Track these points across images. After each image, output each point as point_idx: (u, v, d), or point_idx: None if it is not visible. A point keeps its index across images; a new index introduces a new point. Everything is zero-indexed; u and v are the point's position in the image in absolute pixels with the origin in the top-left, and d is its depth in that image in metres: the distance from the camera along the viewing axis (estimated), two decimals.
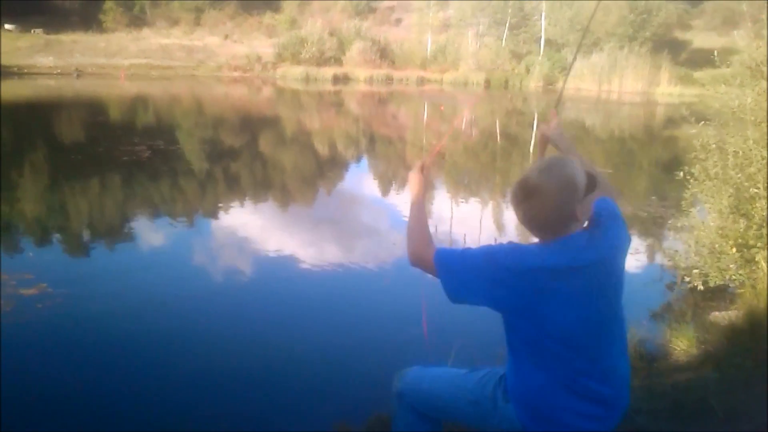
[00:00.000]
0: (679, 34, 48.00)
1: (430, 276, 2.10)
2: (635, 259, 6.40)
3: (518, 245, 1.99)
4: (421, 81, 42.87)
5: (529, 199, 1.91)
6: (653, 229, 7.77)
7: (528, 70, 45.06)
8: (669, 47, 41.50)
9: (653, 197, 9.66)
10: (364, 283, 5.73)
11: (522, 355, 2.04)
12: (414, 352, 3.93)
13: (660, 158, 14.85)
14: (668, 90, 37.59)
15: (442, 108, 27.31)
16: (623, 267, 2.05)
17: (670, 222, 6.67)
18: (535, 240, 2.01)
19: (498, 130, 20.26)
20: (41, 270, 5.36)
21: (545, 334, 1.93)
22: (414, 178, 2.45)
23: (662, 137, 19.41)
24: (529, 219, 1.94)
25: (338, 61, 44.66)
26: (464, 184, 10.62)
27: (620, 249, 2.06)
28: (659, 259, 6.22)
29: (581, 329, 1.93)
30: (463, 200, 9.61)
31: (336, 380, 3.81)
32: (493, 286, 1.94)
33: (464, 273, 1.99)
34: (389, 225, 7.66)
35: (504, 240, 2.01)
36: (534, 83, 42.72)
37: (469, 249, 2.04)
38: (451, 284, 2.01)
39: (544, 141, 2.66)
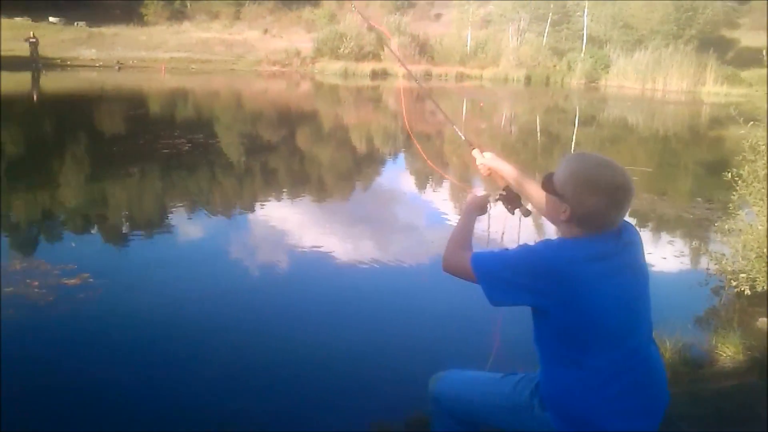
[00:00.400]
0: (726, 33, 46.93)
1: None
2: (680, 262, 6.25)
3: (554, 240, 1.99)
4: (461, 77, 42.61)
5: (585, 197, 1.90)
6: (698, 231, 7.59)
7: (570, 67, 44.48)
8: (715, 46, 40.54)
9: (698, 199, 9.43)
10: (401, 281, 5.69)
11: (557, 356, 2.00)
12: (451, 351, 3.90)
13: (705, 159, 14.53)
14: (714, 89, 36.77)
15: (481, 104, 27.12)
16: (645, 262, 2.07)
17: (716, 225, 6.49)
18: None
19: (538, 128, 20.04)
20: (83, 260, 5.43)
21: (585, 324, 1.90)
22: (477, 199, 2.51)
23: (708, 137, 18.99)
24: (581, 217, 1.92)
25: (377, 57, 44.62)
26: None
27: (641, 245, 2.06)
28: (705, 262, 6.05)
29: (619, 318, 1.91)
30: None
31: (373, 379, 3.78)
32: (534, 281, 1.91)
33: (503, 273, 1.97)
34: (426, 222, 7.61)
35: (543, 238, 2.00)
36: (576, 80, 42.17)
37: (504, 250, 2.02)
38: (492, 286, 1.99)
39: (495, 174, 2.76)
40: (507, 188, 2.68)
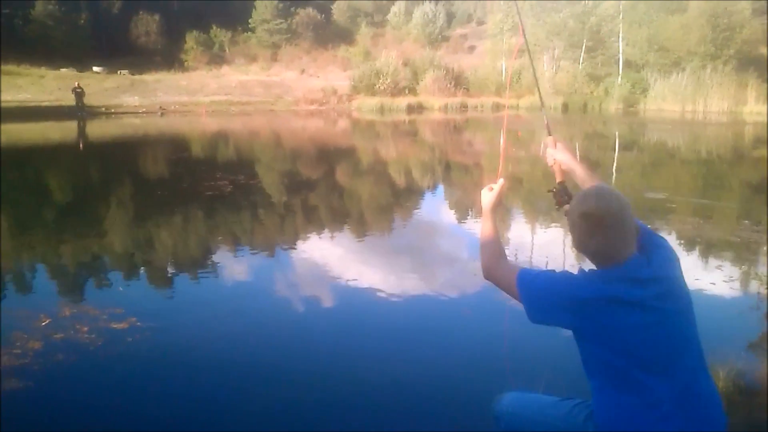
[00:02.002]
0: (766, 50, 46.20)
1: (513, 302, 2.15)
2: (729, 287, 6.09)
3: (590, 273, 1.99)
4: (497, 107, 42.61)
5: (597, 229, 1.93)
6: (747, 254, 7.39)
7: (607, 93, 44.23)
8: (755, 64, 39.87)
9: (745, 221, 9.22)
10: (445, 313, 5.65)
11: (604, 383, 2.02)
12: (498, 381, 3.85)
13: (751, 180, 14.21)
14: (756, 109, 36.10)
15: (519, 133, 27.05)
16: (684, 282, 2.05)
17: (765, 248, 6.32)
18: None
19: (578, 154, 19.89)
20: (130, 304, 5.53)
21: (624, 360, 1.92)
22: (485, 193, 2.60)
23: (752, 158, 18.60)
24: (593, 249, 1.97)
25: (412, 91, 45.01)
26: (543, 210, 10.41)
27: (677, 265, 2.06)
28: (755, 286, 5.89)
29: (658, 352, 1.91)
30: (543, 227, 9.43)
31: (419, 412, 3.75)
32: (571, 314, 1.95)
33: (545, 295, 2.02)
34: (469, 253, 7.56)
35: (584, 266, 2.02)
36: (614, 106, 41.86)
37: (550, 271, 2.05)
38: (533, 305, 2.05)
39: (558, 167, 2.78)
40: (562, 184, 2.69)
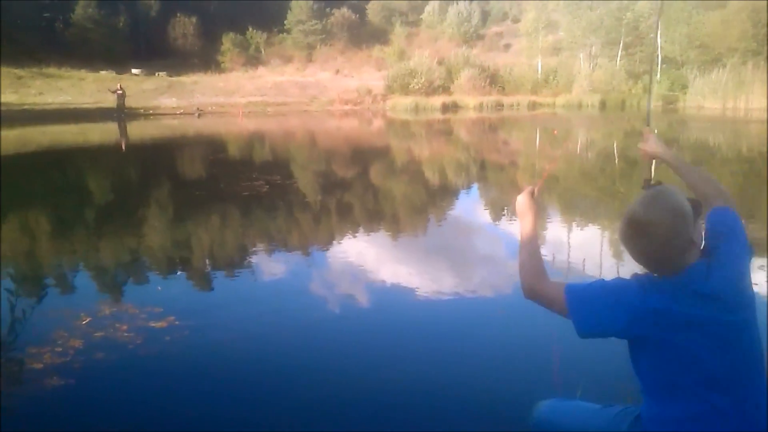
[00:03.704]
0: None
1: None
2: None
3: (645, 281, 1.93)
4: (533, 106, 42.27)
5: (642, 237, 1.87)
6: None
7: (646, 90, 43.51)
8: None
9: None
10: (481, 313, 5.61)
11: (656, 392, 1.97)
12: (536, 383, 3.81)
13: None
14: None
15: (555, 132, 26.79)
16: (750, 288, 1.97)
17: None
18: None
19: (616, 153, 19.63)
20: (169, 303, 5.59)
21: (679, 371, 1.86)
22: (524, 204, 2.41)
23: None
24: (645, 257, 1.91)
25: (447, 90, 44.91)
26: (580, 210, 10.29)
27: (743, 271, 1.97)
28: None
29: (713, 364, 1.84)
30: (579, 226, 9.32)
31: (453, 414, 3.72)
32: (626, 324, 1.89)
33: (597, 305, 1.95)
34: (505, 253, 7.50)
35: (623, 267, 1.99)
36: (653, 103, 41.18)
37: (597, 282, 1.99)
38: (583, 318, 1.97)
39: (649, 160, 2.72)
40: (647, 181, 2.61)
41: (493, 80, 46.72)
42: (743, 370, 1.87)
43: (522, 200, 2.44)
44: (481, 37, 64.89)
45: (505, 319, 5.32)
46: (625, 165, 16.68)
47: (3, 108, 31.40)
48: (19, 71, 40.63)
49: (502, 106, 43.05)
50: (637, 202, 1.92)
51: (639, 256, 1.91)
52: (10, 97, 34.66)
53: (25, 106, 32.91)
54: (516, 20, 64.99)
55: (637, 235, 1.88)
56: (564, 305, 2.00)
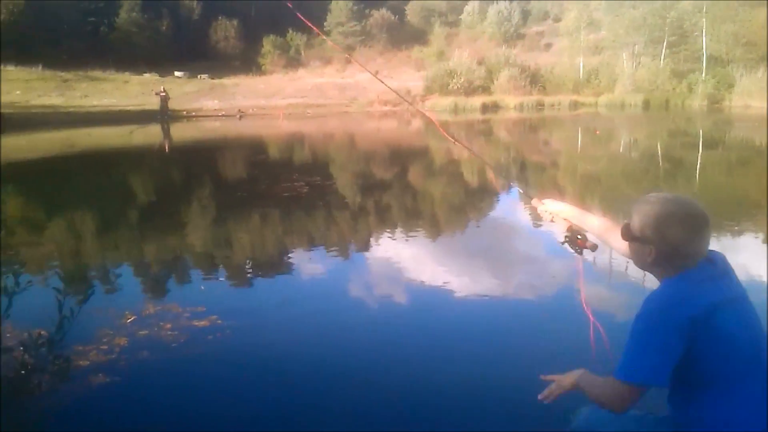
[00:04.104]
0: None
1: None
2: None
3: (657, 290, 1.98)
4: (574, 105, 41.75)
5: (698, 230, 1.92)
6: None
7: (690, 89, 42.70)
8: None
9: None
10: (520, 315, 5.56)
11: (701, 393, 1.96)
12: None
13: None
14: None
15: (597, 132, 26.44)
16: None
17: None
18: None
19: (660, 153, 19.28)
20: (211, 302, 5.66)
21: (721, 357, 1.89)
22: (550, 208, 2.79)
23: None
24: (693, 250, 1.94)
25: (487, 90, 44.63)
26: (623, 211, 10.12)
27: (733, 272, 2.06)
28: None
29: (750, 345, 1.90)
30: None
31: (494, 415, 3.69)
32: (676, 346, 1.89)
33: (653, 360, 1.93)
34: (546, 254, 7.42)
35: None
36: (698, 102, 40.38)
37: (632, 341, 1.96)
38: (655, 376, 1.94)
39: (559, 219, 2.80)
40: (569, 229, 2.68)
41: (534, 80, 46.30)
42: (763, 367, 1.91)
43: (548, 207, 2.53)
44: (521, 37, 64.35)
45: (544, 321, 5.26)
46: (669, 166, 16.38)
47: (50, 110, 32.19)
48: (65, 74, 41.64)
49: (543, 106, 42.64)
50: (656, 201, 1.99)
51: (693, 249, 1.92)
52: (56, 100, 35.52)
53: (71, 109, 33.66)
54: (557, 19, 64.24)
55: (698, 228, 1.92)
56: (630, 388, 1.97)
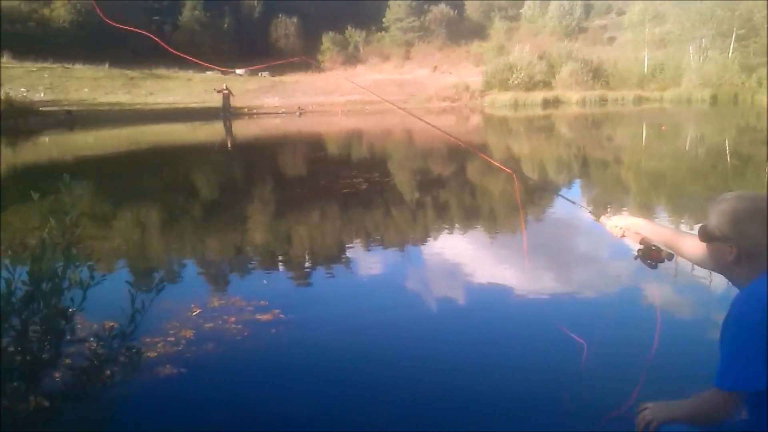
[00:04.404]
0: None
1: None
2: None
3: (743, 292, 1.93)
4: (639, 100, 40.76)
5: (746, 229, 1.92)
6: None
7: (760, 84, 41.10)
8: None
9: None
10: (581, 313, 5.46)
11: None
12: (645, 392, 3.67)
13: None
14: None
15: (663, 127, 25.77)
16: None
17: None
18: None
19: (728, 149, 18.68)
20: (273, 296, 5.74)
21: None
22: (620, 224, 2.78)
23: None
24: (748, 251, 1.92)
25: (548, 85, 43.96)
26: (689, 209, 9.85)
27: None
28: None
29: None
30: (688, 226, 8.92)
31: (551, 414, 3.64)
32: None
33: (757, 365, 1.86)
34: (608, 253, 7.28)
35: None
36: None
37: (737, 345, 1.90)
38: (758, 384, 1.88)
39: (630, 233, 2.71)
40: (642, 242, 2.57)
41: (597, 74, 45.38)
42: None
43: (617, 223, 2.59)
44: (583, 31, 63.14)
45: (606, 321, 5.16)
46: (738, 162, 15.85)
47: (116, 108, 33.15)
48: (130, 72, 42.83)
49: (606, 100, 41.80)
50: (748, 197, 1.99)
51: (762, 236, 1.88)
52: (122, 98, 36.58)
53: (137, 106, 34.64)
54: (621, 12, 62.81)
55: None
56: (734, 395, 1.92)
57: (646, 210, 10.19)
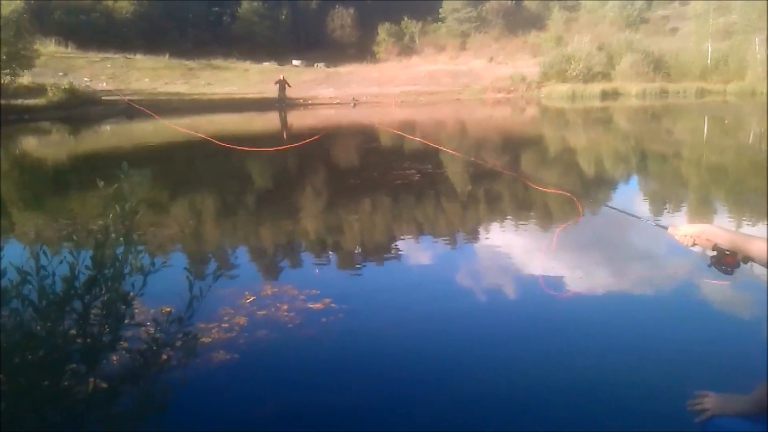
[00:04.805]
0: None
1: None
2: None
3: None
4: (701, 93, 39.59)
5: None
6: None
7: None
8: None
9: None
10: (637, 311, 5.38)
11: None
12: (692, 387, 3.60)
13: None
14: None
15: (726, 121, 25.01)
16: None
17: None
18: None
19: None
20: (325, 286, 5.82)
21: None
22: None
23: None
24: None
25: (607, 77, 43.02)
26: (750, 205, 9.56)
27: None
28: None
29: None
30: (750, 223, 8.66)
31: (606, 414, 3.61)
32: None
33: None
34: (666, 250, 7.13)
35: None
36: None
37: None
38: None
39: (702, 240, 2.58)
40: (716, 247, 2.46)
41: (658, 66, 44.23)
42: None
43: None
44: (645, 21, 61.57)
45: (663, 319, 5.07)
46: None
47: (175, 97, 33.83)
48: (189, 63, 43.64)
49: (667, 93, 40.74)
50: None
51: None
52: (181, 88, 37.30)
53: (195, 96, 35.23)
54: (684, 3, 61.04)
55: None
56: None
57: (706, 205, 9.94)
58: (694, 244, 2.63)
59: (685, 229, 2.64)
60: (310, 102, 37.47)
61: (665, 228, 2.74)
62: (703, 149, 17.60)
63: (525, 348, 4.54)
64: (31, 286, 2.45)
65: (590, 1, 63.64)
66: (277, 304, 5.26)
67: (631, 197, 11.15)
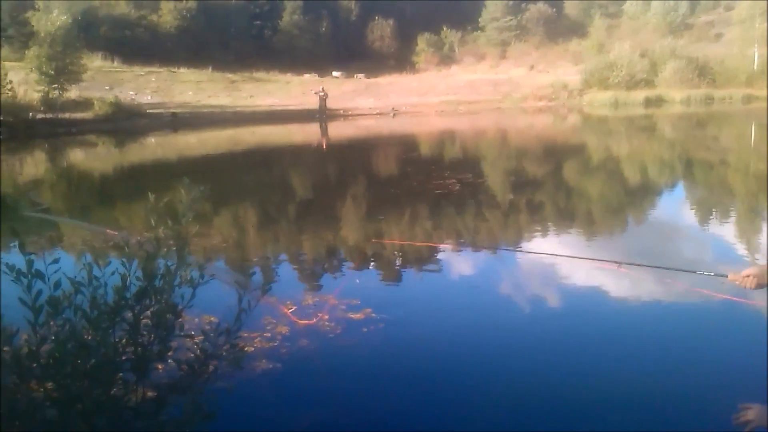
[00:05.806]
0: None
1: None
2: None
3: None
4: (747, 99, 38.73)
5: None
6: None
7: None
8: None
9: None
10: (684, 324, 5.28)
11: None
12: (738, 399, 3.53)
13: None
14: None
15: None
16: None
17: None
18: None
19: None
20: (365, 295, 5.84)
21: None
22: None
23: None
24: None
25: (650, 84, 42.38)
26: None
27: None
28: None
29: None
30: None
31: (660, 423, 3.56)
32: None
33: None
34: (713, 259, 6.99)
35: None
36: None
37: None
38: None
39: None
40: None
41: (702, 72, 43.42)
42: None
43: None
44: (689, 27, 60.50)
45: (709, 329, 4.98)
46: None
47: (218, 110, 34.38)
48: (232, 76, 44.29)
49: (712, 99, 39.99)
50: None
51: None
52: (224, 100, 37.87)
53: (238, 108, 35.76)
54: (729, 8, 59.77)
55: None
56: None
57: (754, 214, 9.73)
58: (758, 285, 2.64)
59: (746, 272, 2.65)
60: (350, 113, 37.70)
61: (725, 276, 2.73)
62: (750, 156, 17.22)
63: (569, 358, 4.50)
64: (83, 297, 2.52)
65: (632, 8, 62.78)
66: (318, 314, 5.31)
67: (676, 205, 10.97)
